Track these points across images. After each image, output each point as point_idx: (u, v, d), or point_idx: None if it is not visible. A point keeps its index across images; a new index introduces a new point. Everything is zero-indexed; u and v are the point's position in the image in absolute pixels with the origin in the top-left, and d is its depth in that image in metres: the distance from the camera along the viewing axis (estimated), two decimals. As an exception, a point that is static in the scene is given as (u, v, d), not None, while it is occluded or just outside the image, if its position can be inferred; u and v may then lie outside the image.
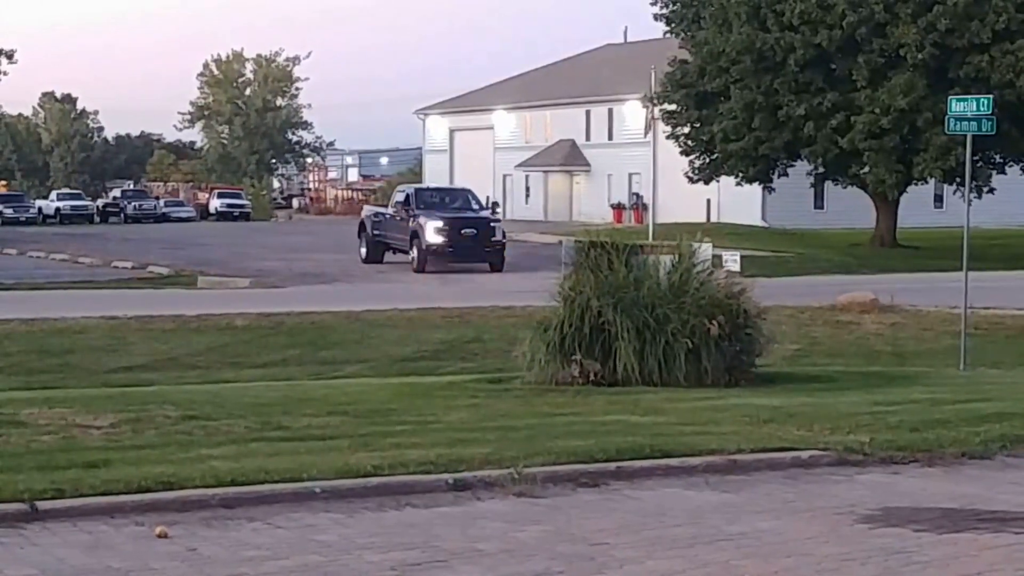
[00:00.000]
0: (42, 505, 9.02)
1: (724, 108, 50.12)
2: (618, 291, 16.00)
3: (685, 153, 53.95)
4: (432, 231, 39.73)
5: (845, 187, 54.91)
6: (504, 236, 40.90)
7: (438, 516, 9.38)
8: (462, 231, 39.89)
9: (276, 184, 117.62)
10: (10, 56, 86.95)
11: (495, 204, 45.47)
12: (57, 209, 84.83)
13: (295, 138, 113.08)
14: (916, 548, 8.58)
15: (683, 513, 9.55)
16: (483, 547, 8.54)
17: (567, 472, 10.50)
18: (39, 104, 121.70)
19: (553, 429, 12.20)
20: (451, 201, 43.58)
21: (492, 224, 40.91)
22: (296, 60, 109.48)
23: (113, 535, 8.69)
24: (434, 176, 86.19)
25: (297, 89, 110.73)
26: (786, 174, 54.09)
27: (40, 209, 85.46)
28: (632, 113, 68.78)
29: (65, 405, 13.39)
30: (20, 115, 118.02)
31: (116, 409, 13.09)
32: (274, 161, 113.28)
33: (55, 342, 20.73)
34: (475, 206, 42.78)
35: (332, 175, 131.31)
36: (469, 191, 45.57)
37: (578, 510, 9.65)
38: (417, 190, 45.69)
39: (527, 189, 79.75)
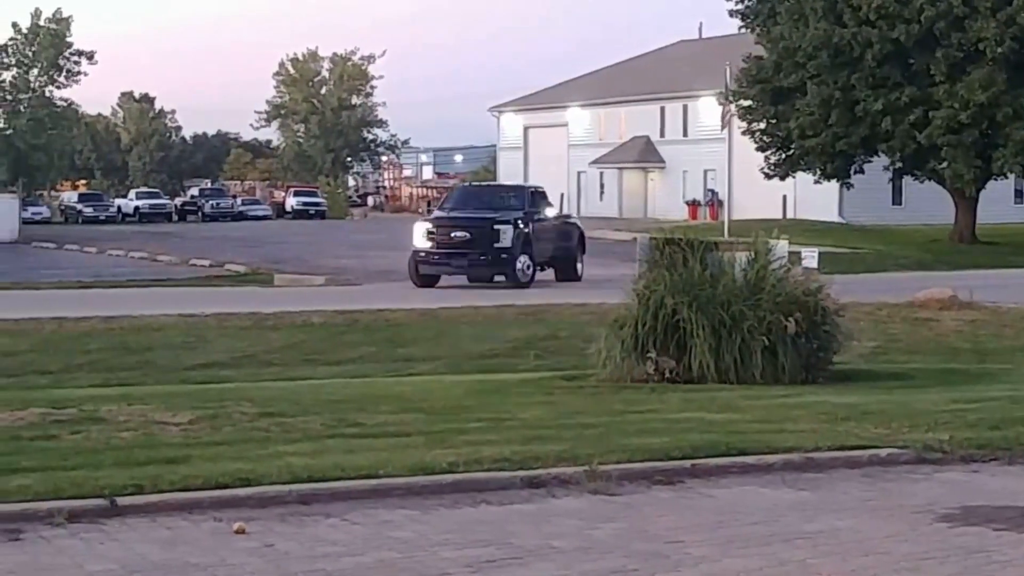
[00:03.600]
0: (122, 501, 9.12)
1: (800, 104, 49.78)
2: (693, 288, 15.93)
3: (761, 149, 53.64)
4: (419, 235, 33.31)
5: (923, 183, 54.37)
6: (519, 243, 32.80)
7: (513, 513, 9.38)
8: (451, 235, 32.76)
9: (351, 182, 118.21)
10: (90, 57, 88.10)
11: (547, 206, 35.95)
12: (136, 208, 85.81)
13: (370, 136, 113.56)
14: (996, 547, 8.48)
15: (759, 511, 9.49)
16: (558, 544, 8.53)
17: (642, 470, 10.47)
18: (118, 104, 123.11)
19: (628, 426, 12.17)
20: (488, 200, 36.10)
21: (495, 227, 32.62)
22: (371, 59, 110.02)
23: (191, 531, 8.77)
24: (508, 174, 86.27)
25: (372, 87, 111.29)
26: (862, 170, 53.63)
27: (119, 208, 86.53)
28: (707, 109, 68.48)
29: (144, 402, 13.52)
30: (99, 115, 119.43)
31: (194, 406, 13.20)
32: (349, 159, 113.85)
33: (134, 340, 20.93)
34: (515, 206, 34.48)
35: (407, 173, 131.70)
36: (524, 189, 38.19)
37: (653, 508, 9.61)
38: (458, 188, 40.61)
39: (601, 186, 79.62)
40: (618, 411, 13.39)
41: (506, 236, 32.47)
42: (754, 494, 10.08)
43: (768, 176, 54.37)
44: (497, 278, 32.71)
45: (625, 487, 10.12)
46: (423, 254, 32.76)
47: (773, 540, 8.68)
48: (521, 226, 33.08)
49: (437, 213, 35.56)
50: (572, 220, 38.74)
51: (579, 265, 35.68)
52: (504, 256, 32.37)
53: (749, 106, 52.96)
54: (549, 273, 35.02)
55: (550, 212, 35.34)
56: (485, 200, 35.85)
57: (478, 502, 9.65)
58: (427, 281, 32.48)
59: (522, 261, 32.58)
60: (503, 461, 10.35)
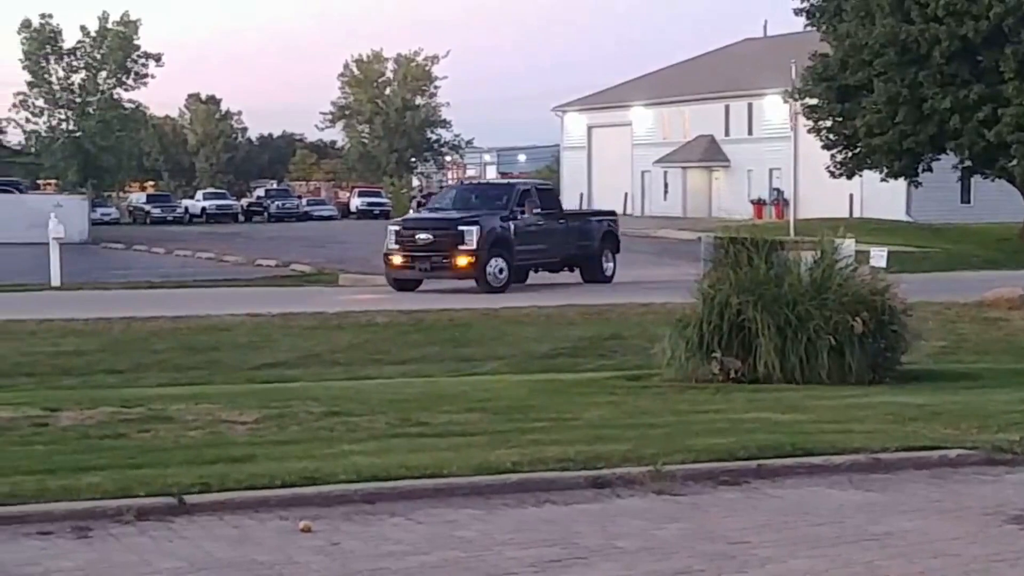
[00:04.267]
0: (190, 499, 9.19)
1: (867, 102, 49.37)
2: (758, 288, 15.86)
3: (827, 147, 53.25)
4: (389, 237, 31.60)
5: (992, 181, 53.79)
6: (488, 245, 30.49)
7: (577, 513, 9.37)
8: (416, 236, 30.79)
9: (415, 182, 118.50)
10: (157, 59, 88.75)
11: (535, 205, 32.34)
12: (203, 208, 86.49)
13: (434, 136, 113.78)
14: (1067, 550, 8.38)
15: (826, 512, 9.43)
16: (623, 544, 8.52)
17: (707, 470, 10.44)
18: (185, 106, 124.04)
19: (693, 426, 12.13)
20: (471, 200, 33.64)
21: (459, 229, 30.40)
22: (435, 59, 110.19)
23: (258, 529, 8.82)
24: (572, 174, 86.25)
25: (436, 88, 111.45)
26: (930, 168, 53.14)
27: (186, 208, 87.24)
28: (772, 108, 68.13)
29: (211, 401, 13.63)
30: (167, 117, 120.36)
31: (260, 405, 13.29)
32: (413, 159, 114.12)
33: (201, 339, 21.09)
34: (497, 206, 31.95)
35: (471, 173, 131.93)
36: (512, 188, 34.59)
37: (718, 508, 9.57)
38: (450, 187, 37.09)
39: (665, 185, 79.36)
40: (683, 411, 13.35)
41: (471, 237, 30.26)
42: (821, 495, 10.02)
43: (834, 175, 53.97)
44: (467, 282, 30.63)
45: (690, 487, 10.08)
46: (391, 256, 31.17)
47: (840, 541, 8.62)
48: (494, 226, 30.85)
49: (411, 214, 34.40)
50: (598, 218, 36.27)
51: (608, 265, 33.88)
52: (469, 259, 30.17)
53: (815, 104, 52.59)
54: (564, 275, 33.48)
55: (534, 211, 31.94)
56: (469, 200, 33.62)
57: (542, 502, 9.65)
58: (402, 285, 30.89)
59: (494, 264, 30.38)
60: (567, 461, 10.35)
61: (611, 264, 34.02)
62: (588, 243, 33.38)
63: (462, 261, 30.10)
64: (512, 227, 31.09)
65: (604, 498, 9.79)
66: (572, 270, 33.69)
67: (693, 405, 13.78)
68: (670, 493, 9.90)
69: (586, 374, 17.67)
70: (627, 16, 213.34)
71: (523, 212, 31.72)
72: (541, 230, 32.11)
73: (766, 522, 9.13)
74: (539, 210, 32.21)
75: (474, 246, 30.13)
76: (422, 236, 30.59)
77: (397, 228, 31.60)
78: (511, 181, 42.65)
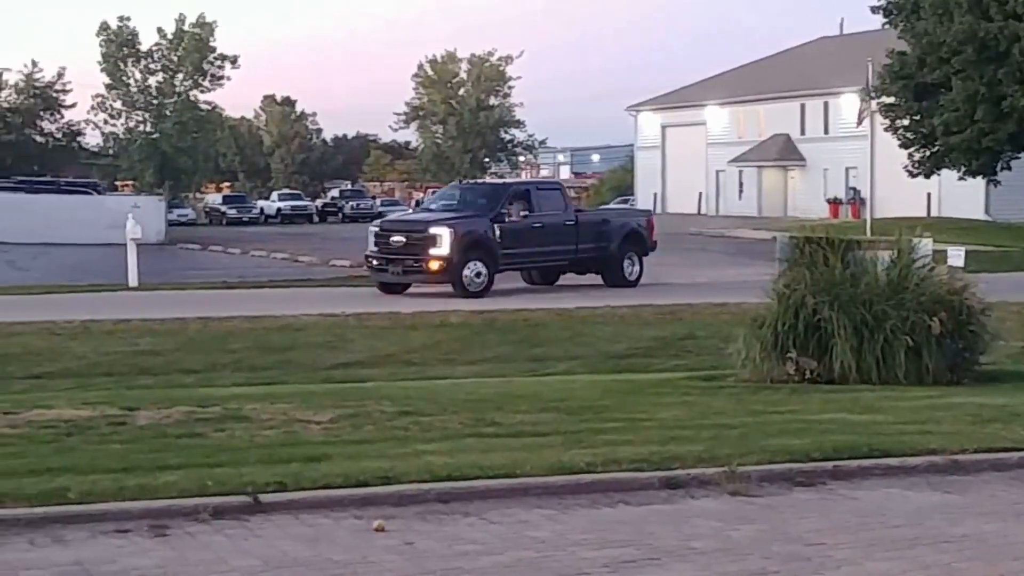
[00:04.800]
0: (265, 498, 9.25)
1: (945, 100, 48.85)
2: (834, 288, 15.75)
3: (904, 146, 52.74)
4: (370, 239, 30.52)
5: (1073, 179, 53.08)
6: (463, 248, 29.04)
7: (651, 514, 9.34)
8: (391, 239, 29.71)
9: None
10: (233, 61, 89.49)
11: (523, 208, 30.50)
12: (278, 209, 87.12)
13: (508, 137, 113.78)
14: None
15: (903, 514, 9.34)
16: (697, 545, 8.47)
17: (782, 471, 10.37)
18: (260, 107, 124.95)
19: (768, 427, 12.06)
20: (459, 201, 32.27)
21: (431, 232, 29.14)
22: (509, 59, 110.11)
23: (333, 528, 8.86)
24: (646, 173, 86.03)
25: (510, 88, 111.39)
26: (1009, 167, 52.48)
27: (262, 209, 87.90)
28: (849, 106, 67.48)
29: (286, 400, 13.71)
30: (243, 118, 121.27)
31: (335, 405, 13.36)
32: (487, 160, 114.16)
33: (276, 339, 21.22)
34: (482, 207, 30.64)
35: (544, 173, 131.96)
36: (503, 188, 33.09)
37: (794, 509, 9.51)
38: (450, 187, 36.52)
39: (740, 185, 78.95)
40: (758, 412, 13.27)
41: (443, 240, 28.87)
42: (897, 496, 9.92)
43: (912, 174, 53.44)
44: (443, 287, 29.35)
45: (765, 488, 10.03)
46: (370, 259, 30.25)
47: (917, 543, 8.53)
48: (472, 229, 29.53)
49: (392, 215, 33.21)
50: (621, 218, 34.67)
51: (632, 268, 31.93)
52: (440, 262, 28.81)
53: (892, 103, 52.10)
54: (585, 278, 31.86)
55: (522, 212, 30.15)
56: (460, 200, 32.14)
57: (616, 502, 9.63)
58: (387, 288, 29.70)
59: (471, 268, 28.91)
60: (641, 461, 10.32)
61: (636, 267, 32.11)
62: (604, 244, 31.53)
63: (433, 264, 28.81)
64: (496, 229, 29.61)
65: (678, 499, 9.75)
66: (589, 273, 32.09)
67: (768, 406, 13.69)
68: (745, 494, 9.84)
69: (660, 374, 17.60)
70: (702, 15, 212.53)
71: (509, 214, 29.95)
72: (537, 232, 30.39)
73: (842, 524, 9.05)
74: (531, 211, 30.38)
75: (446, 249, 28.81)
76: (396, 238, 29.56)
77: (376, 230, 30.53)
78: (505, 181, 40.03)
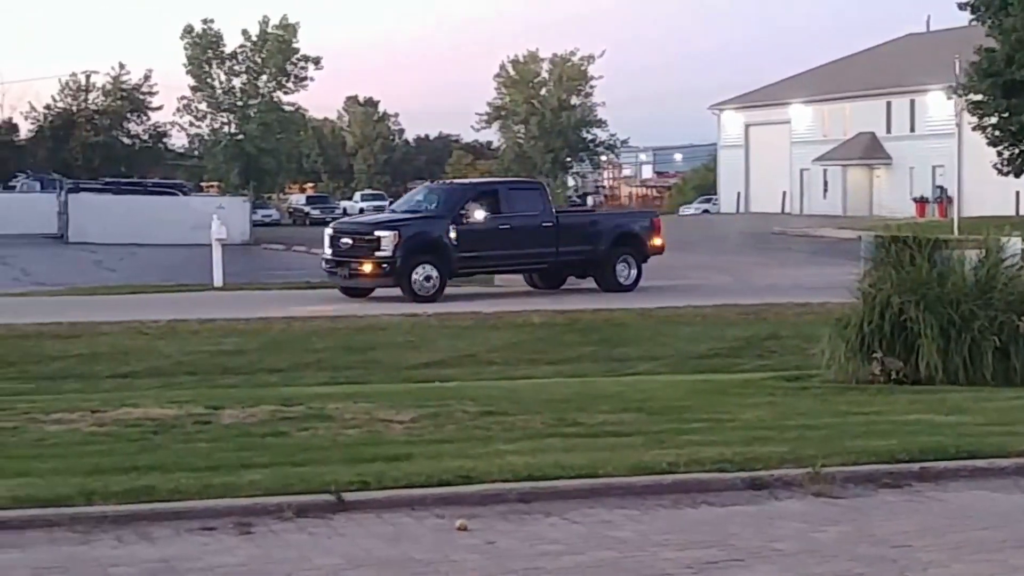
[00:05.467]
0: (348, 496, 9.30)
1: (1034, 97, 48.21)
2: (920, 287, 15.57)
3: (992, 144, 52.08)
4: (325, 241, 29.33)
5: None
6: (409, 251, 27.73)
7: (734, 515, 9.29)
8: (340, 241, 28.63)
9: (571, 182, 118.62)
10: (316, 62, 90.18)
11: (481, 209, 28.99)
12: (361, 210, 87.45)
13: (589, 136, 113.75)
14: None
15: (991, 516, 9.21)
16: (781, 547, 8.41)
17: (867, 472, 10.27)
18: (343, 108, 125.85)
19: (853, 428, 11.95)
20: (420, 202, 30.99)
21: (376, 234, 28.04)
22: (590, 59, 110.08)
23: (415, 527, 8.89)
24: (729, 172, 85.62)
25: (592, 87, 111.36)
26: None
27: (345, 210, 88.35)
28: (935, 104, 66.81)
29: (369, 400, 13.78)
30: (326, 119, 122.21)
31: (417, 404, 13.40)
32: (569, 159, 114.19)
33: (359, 339, 21.34)
34: (439, 209, 29.40)
35: (626, 172, 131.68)
36: (461, 189, 31.74)
37: (879, 511, 9.41)
38: (420, 189, 34.49)
39: (825, 183, 78.31)
40: (842, 412, 13.15)
41: (387, 243, 27.65)
42: (985, 498, 9.79)
43: (1001, 172, 52.75)
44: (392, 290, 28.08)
45: (850, 490, 9.94)
46: (324, 262, 29.27)
47: (1005, 546, 8.41)
48: (422, 231, 28.40)
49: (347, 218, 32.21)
50: (615, 220, 32.89)
51: (629, 272, 30.19)
52: (384, 265, 27.63)
53: (979, 100, 51.46)
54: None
55: (477, 214, 28.74)
56: (423, 202, 30.81)
57: (698, 503, 9.58)
58: (348, 292, 28.58)
59: (420, 272, 27.52)
60: (724, 462, 10.27)
61: (633, 271, 30.22)
62: (591, 247, 29.83)
63: (376, 268, 27.68)
64: (452, 231, 28.30)
65: (761, 500, 9.69)
66: (583, 276, 30.65)
67: (853, 406, 13.57)
68: (829, 495, 9.76)
69: (743, 375, 17.50)
70: (785, 12, 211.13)
71: (468, 216, 28.59)
72: (505, 234, 28.94)
73: (928, 526, 8.95)
74: (499, 212, 29.05)
75: (389, 252, 27.61)
76: (344, 240, 28.49)
77: (331, 232, 29.30)
78: (471, 181, 38.13)
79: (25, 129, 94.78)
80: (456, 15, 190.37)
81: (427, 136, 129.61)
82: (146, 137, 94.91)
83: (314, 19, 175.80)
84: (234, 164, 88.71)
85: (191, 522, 8.89)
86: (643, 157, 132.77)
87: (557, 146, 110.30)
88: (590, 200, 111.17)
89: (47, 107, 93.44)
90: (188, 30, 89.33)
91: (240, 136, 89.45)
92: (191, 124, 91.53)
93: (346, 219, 29.83)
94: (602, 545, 8.44)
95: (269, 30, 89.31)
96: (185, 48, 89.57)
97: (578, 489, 9.68)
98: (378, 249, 27.65)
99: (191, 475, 9.73)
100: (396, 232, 27.91)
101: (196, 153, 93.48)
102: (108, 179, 69.18)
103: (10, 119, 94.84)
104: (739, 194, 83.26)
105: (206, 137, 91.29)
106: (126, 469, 9.96)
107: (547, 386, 16.08)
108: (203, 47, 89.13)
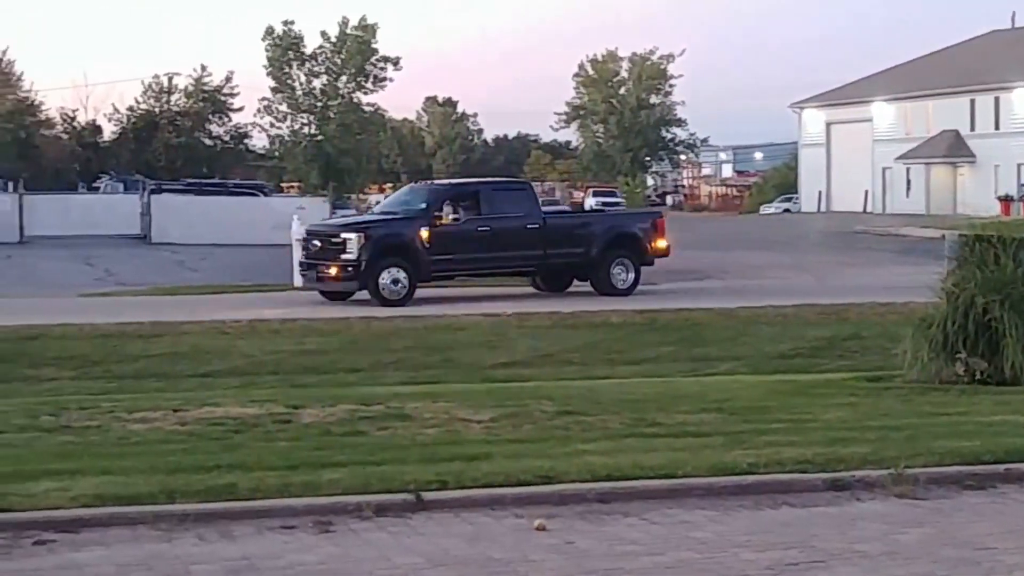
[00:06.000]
0: (427, 496, 9.32)
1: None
2: (1005, 287, 15.36)
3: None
4: (297, 245, 28.82)
5: None
6: (377, 254, 26.75)
7: (815, 516, 9.21)
8: (310, 244, 27.85)
9: (650, 182, 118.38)
10: (395, 63, 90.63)
11: (454, 208, 28.15)
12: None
13: (669, 135, 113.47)
14: None
15: (1078, 519, 9.07)
16: (862, 548, 8.33)
17: (951, 474, 10.15)
18: (422, 108, 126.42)
19: (936, 429, 11.81)
20: (399, 202, 30.35)
21: (342, 236, 27.16)
22: (670, 57, 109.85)
23: (494, 527, 8.89)
24: (810, 171, 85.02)
25: (671, 86, 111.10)
26: None
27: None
28: (1020, 101, 65.98)
29: (447, 399, 13.81)
30: (405, 119, 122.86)
31: (495, 404, 13.41)
32: (648, 159, 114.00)
33: (438, 338, 21.39)
34: (415, 210, 28.33)
35: (706, 171, 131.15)
36: (436, 189, 30.68)
37: (963, 513, 9.29)
38: (403, 190, 33.32)
39: (908, 182, 77.56)
40: (926, 413, 13.01)
41: (352, 246, 26.70)
42: (1072, 501, 9.64)
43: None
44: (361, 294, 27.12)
45: (933, 491, 9.83)
46: (298, 264, 28.49)
47: (1093, 550, 8.28)
48: (390, 233, 27.48)
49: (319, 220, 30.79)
50: (609, 221, 31.47)
51: (624, 276, 28.98)
52: (351, 269, 26.70)
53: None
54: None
55: (452, 216, 27.84)
56: (402, 203, 29.91)
57: (779, 504, 9.51)
58: (328, 295, 27.65)
59: (388, 275, 26.51)
60: (805, 463, 10.20)
61: (629, 275, 29.06)
62: (583, 250, 28.70)
63: (341, 270, 26.77)
64: (424, 233, 27.30)
65: (843, 501, 9.61)
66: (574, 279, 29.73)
67: (936, 407, 13.42)
68: (912, 497, 9.65)
69: (824, 375, 17.36)
70: (867, 9, 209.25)
71: (442, 217, 27.66)
72: (485, 236, 27.95)
73: (1013, 528, 8.83)
74: (479, 213, 28.18)
75: (354, 254, 26.67)
76: (314, 243, 27.68)
77: (304, 235, 28.54)
78: (449, 182, 36.80)
79: (109, 131, 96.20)
80: (535, 14, 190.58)
81: (506, 136, 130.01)
82: (227, 138, 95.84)
83: (393, 20, 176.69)
84: (314, 165, 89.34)
85: (271, 520, 8.94)
86: (723, 156, 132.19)
87: (636, 145, 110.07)
88: (669, 199, 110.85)
89: (130, 109, 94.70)
90: (269, 31, 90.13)
91: (320, 137, 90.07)
92: (272, 125, 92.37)
93: (317, 222, 29.47)
94: (682, 546, 8.40)
95: (348, 31, 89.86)
96: (266, 50, 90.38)
97: (657, 489, 9.64)
98: (344, 252, 26.82)
99: (271, 474, 9.80)
100: (362, 234, 27.04)
101: (276, 154, 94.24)
102: (190, 180, 69.84)
103: (94, 121, 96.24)
104: (820, 193, 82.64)
105: (286, 138, 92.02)
106: (207, 468, 10.04)
107: (626, 386, 16.04)
108: (284, 48, 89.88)
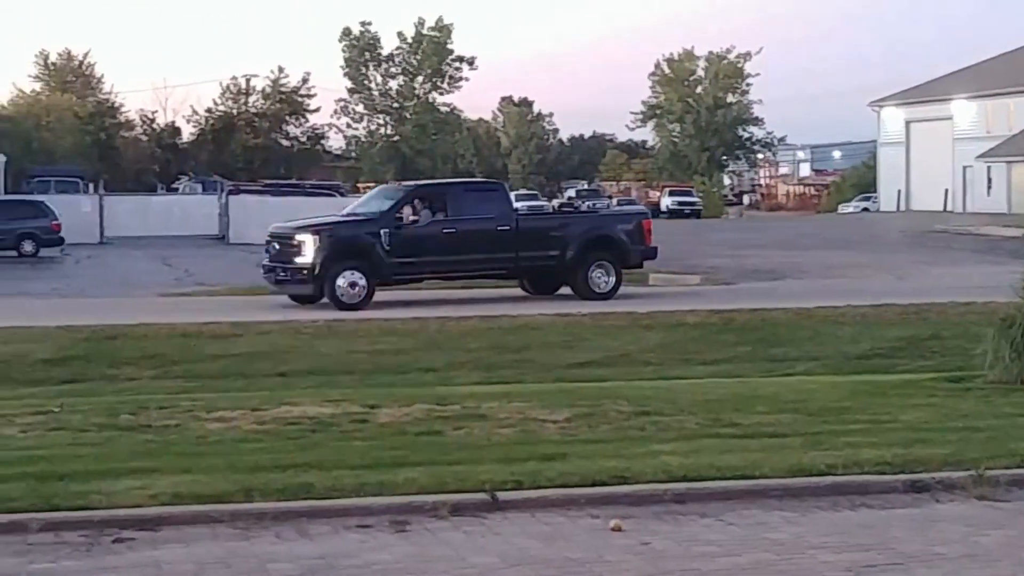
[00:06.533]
0: (503, 496, 9.33)
1: None
2: (1090, 286, 15.15)
3: None
4: (265, 247, 27.95)
5: None
6: (333, 256, 25.76)
7: (894, 518, 9.13)
8: (270, 246, 27.14)
9: (727, 181, 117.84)
10: (471, 63, 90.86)
11: (419, 209, 27.23)
12: (515, 210, 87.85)
13: (745, 134, 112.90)
14: None
15: None
16: (942, 551, 8.24)
17: (1033, 476, 10.02)
18: (498, 108, 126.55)
19: (1017, 431, 11.67)
20: (364, 203, 29.60)
21: (297, 239, 26.21)
22: (747, 56, 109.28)
23: (569, 527, 8.89)
24: (889, 170, 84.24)
25: (748, 85, 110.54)
26: None
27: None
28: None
29: (523, 399, 13.81)
30: (480, 119, 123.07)
31: (570, 404, 13.40)
32: (725, 158, 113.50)
33: (512, 338, 21.37)
34: (376, 211, 27.50)
35: (783, 170, 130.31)
36: (403, 191, 29.01)
37: (1045, 516, 9.17)
38: (376, 189, 32.65)
39: (989, 180, 76.57)
40: (1008, 414, 12.85)
41: (307, 248, 25.83)
42: None
43: None
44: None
45: (1014, 493, 9.72)
46: (261, 268, 27.62)
47: None
48: (347, 235, 26.63)
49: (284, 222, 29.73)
50: (585, 222, 30.20)
51: (605, 279, 27.76)
52: (304, 272, 25.77)
53: None
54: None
55: (412, 217, 26.89)
56: (370, 203, 29.05)
57: (857, 505, 9.44)
58: (297, 299, 26.62)
59: (345, 278, 25.62)
60: (884, 464, 10.11)
61: (610, 278, 27.85)
62: (558, 252, 27.55)
63: (296, 273, 25.93)
64: (384, 235, 26.30)
65: (923, 503, 9.52)
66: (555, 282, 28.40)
67: (1018, 408, 13.24)
68: (993, 499, 9.54)
69: (904, 375, 17.19)
70: (946, 6, 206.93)
71: (403, 219, 26.78)
72: (451, 238, 26.93)
73: (1098, 532, 8.69)
74: (445, 214, 27.22)
75: (309, 259, 25.73)
76: (275, 245, 26.91)
77: (267, 236, 27.67)
78: (417, 183, 35.02)
79: (187, 132, 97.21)
80: (610, 13, 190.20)
81: (581, 136, 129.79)
82: (304, 139, 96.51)
83: (469, 20, 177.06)
84: (390, 165, 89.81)
85: (348, 519, 8.99)
86: (801, 155, 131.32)
87: (712, 144, 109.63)
88: (746, 199, 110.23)
89: (208, 111, 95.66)
90: (346, 33, 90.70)
91: (396, 137, 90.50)
92: (348, 126, 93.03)
93: (281, 223, 28.59)
94: (759, 547, 8.35)
95: (424, 32, 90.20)
96: (343, 51, 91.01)
97: (734, 490, 9.60)
98: (299, 254, 25.94)
99: (348, 473, 9.85)
100: (317, 236, 26.13)
101: (353, 154, 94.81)
102: (267, 181, 70.45)
103: (173, 123, 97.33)
104: (899, 192, 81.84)
105: (363, 139, 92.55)
106: (285, 467, 10.11)
107: (702, 386, 15.96)
108: (360, 49, 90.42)
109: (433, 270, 27.51)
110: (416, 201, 27.52)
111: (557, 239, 27.83)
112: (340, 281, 25.64)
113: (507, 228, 27.57)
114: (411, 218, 26.88)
